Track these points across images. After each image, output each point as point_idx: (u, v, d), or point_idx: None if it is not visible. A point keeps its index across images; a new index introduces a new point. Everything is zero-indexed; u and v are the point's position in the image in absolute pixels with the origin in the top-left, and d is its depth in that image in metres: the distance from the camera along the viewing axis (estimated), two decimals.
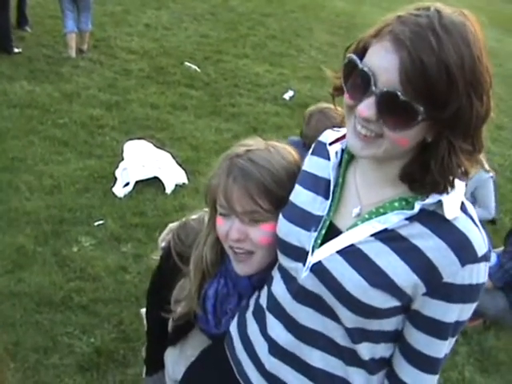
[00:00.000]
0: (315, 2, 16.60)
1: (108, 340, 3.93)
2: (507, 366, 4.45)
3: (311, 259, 1.62)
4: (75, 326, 4.01)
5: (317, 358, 1.68)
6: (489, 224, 6.15)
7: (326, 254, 1.59)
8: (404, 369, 1.64)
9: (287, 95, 9.30)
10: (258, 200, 1.78)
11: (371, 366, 1.67)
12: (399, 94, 1.36)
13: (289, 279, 1.71)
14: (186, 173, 6.19)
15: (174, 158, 6.40)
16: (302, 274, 1.63)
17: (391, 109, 1.39)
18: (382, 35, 1.41)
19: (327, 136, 1.79)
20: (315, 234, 1.64)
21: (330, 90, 1.64)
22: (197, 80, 9.32)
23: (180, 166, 6.28)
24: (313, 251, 1.63)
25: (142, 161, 6.07)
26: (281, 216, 1.75)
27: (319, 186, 1.71)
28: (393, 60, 1.36)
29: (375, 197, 1.60)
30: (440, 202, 1.49)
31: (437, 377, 1.66)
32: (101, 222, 5.20)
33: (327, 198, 1.66)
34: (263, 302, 1.84)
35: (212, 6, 13.57)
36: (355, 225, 1.59)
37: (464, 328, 4.41)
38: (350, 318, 1.57)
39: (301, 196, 1.74)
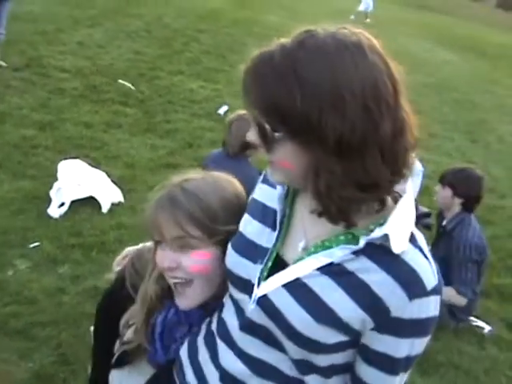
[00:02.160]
0: (248, 18, 16.75)
1: (47, 364, 3.85)
2: (446, 366, 4.53)
3: (257, 292, 1.59)
4: (12, 351, 3.91)
5: None
6: (424, 228, 6.29)
7: (272, 287, 1.56)
8: None
9: (222, 110, 9.33)
10: (185, 226, 1.76)
11: None
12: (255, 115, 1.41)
13: (238, 309, 1.69)
14: (122, 191, 6.15)
15: (109, 176, 6.34)
16: (249, 306, 1.61)
17: (258, 133, 1.43)
18: None
19: None
20: (261, 266, 1.61)
21: None
22: (131, 97, 9.28)
23: (115, 184, 6.23)
24: (259, 284, 1.60)
25: (77, 180, 6.00)
26: (229, 246, 1.72)
27: (268, 216, 1.67)
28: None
29: (321, 230, 1.56)
30: (387, 237, 1.43)
31: None
32: (36, 243, 5.10)
33: (275, 230, 1.63)
34: (214, 327, 1.81)
35: (146, 23, 13.56)
36: (301, 258, 1.55)
37: None
38: (296, 351, 1.55)
39: (249, 226, 1.71)
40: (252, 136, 1.46)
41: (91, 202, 5.87)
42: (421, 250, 1.49)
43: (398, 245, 1.44)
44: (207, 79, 10.65)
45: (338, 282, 1.48)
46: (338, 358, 1.57)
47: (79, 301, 4.43)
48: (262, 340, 1.62)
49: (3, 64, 9.46)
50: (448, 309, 4.82)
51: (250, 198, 1.82)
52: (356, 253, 1.47)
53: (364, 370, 1.56)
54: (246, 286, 1.62)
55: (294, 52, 1.34)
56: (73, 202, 5.77)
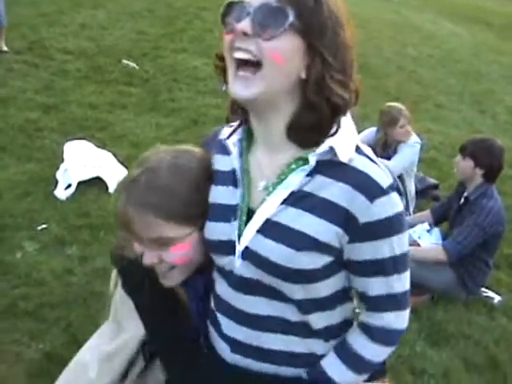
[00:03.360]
0: None
1: (58, 345, 3.85)
2: (456, 337, 4.51)
3: (239, 247, 1.65)
4: (22, 332, 3.93)
5: (276, 342, 1.71)
6: (433, 200, 6.26)
7: (249, 237, 1.63)
8: (372, 315, 1.71)
9: (225, 86, 9.25)
10: (160, 228, 1.73)
11: (327, 334, 1.74)
12: (271, 3, 1.47)
13: (226, 275, 1.73)
14: (127, 171, 6.12)
15: (115, 156, 6.33)
16: (236, 263, 1.67)
17: (265, 16, 1.47)
18: None
19: (224, 132, 1.80)
20: (236, 222, 1.67)
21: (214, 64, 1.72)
22: (135, 77, 9.24)
23: (122, 164, 6.21)
24: (239, 240, 1.66)
25: (83, 161, 5.99)
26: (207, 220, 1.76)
27: (227, 179, 1.73)
28: None
29: (275, 166, 1.64)
30: (332, 149, 1.54)
31: (405, 312, 1.74)
32: (44, 225, 5.11)
33: (236, 186, 1.70)
34: (212, 305, 1.85)
35: (149, 3, 13.45)
36: (264, 200, 1.63)
37: (413, 306, 4.47)
38: (294, 290, 1.63)
39: (214, 193, 1.76)
40: (245, 24, 1.48)
41: (98, 182, 5.86)
42: (367, 156, 1.60)
43: (345, 154, 1.55)
44: (211, 56, 10.39)
45: (302, 208, 1.57)
46: (334, 284, 1.68)
47: (88, 281, 4.44)
48: (257, 295, 1.68)
49: (5, 49, 9.44)
50: (459, 280, 4.80)
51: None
52: (310, 174, 1.58)
53: (362, 283, 1.67)
54: (229, 247, 1.68)
55: None
56: (79, 183, 5.78)
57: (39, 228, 5.08)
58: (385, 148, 5.91)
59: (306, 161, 1.58)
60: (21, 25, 10.42)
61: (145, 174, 1.74)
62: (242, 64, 1.52)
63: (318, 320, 1.71)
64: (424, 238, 5.10)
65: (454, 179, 5.76)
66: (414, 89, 10.97)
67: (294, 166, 1.60)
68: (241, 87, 1.54)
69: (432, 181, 6.74)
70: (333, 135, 1.56)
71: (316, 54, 1.50)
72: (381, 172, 1.57)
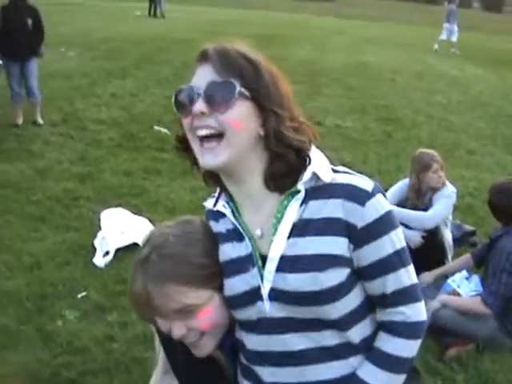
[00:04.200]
0: (276, 55, 16.89)
1: None
2: None
3: (264, 291, 1.73)
4: None
5: (321, 372, 1.76)
6: (471, 247, 6.18)
7: (271, 278, 1.72)
8: (390, 312, 1.79)
9: None
10: (181, 296, 1.74)
11: (365, 347, 1.81)
12: (217, 80, 1.65)
13: (254, 326, 1.79)
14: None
15: (151, 222, 6.40)
16: (266, 307, 1.74)
17: (215, 93, 1.64)
18: (194, 69, 1.74)
19: (207, 204, 1.92)
20: (255, 269, 1.75)
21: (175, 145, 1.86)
22: (167, 143, 9.37)
23: None
24: (262, 284, 1.74)
25: (120, 228, 6.07)
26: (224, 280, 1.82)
27: (229, 236, 1.83)
28: (206, 66, 1.69)
29: (264, 215, 1.77)
30: (315, 175, 1.71)
31: (420, 304, 1.81)
32: (84, 293, 5.16)
33: (241, 240, 1.79)
34: (245, 361, 1.88)
35: (175, 69, 13.74)
36: (271, 241, 1.73)
37: (458, 355, 4.34)
38: (330, 311, 1.71)
39: (221, 253, 1.83)
40: (200, 105, 1.64)
41: (135, 248, 5.90)
42: (344, 172, 1.79)
43: (326, 175, 1.72)
44: None
45: (308, 234, 1.70)
46: (359, 294, 1.79)
47: (129, 347, 4.45)
48: (292, 332, 1.74)
49: (41, 122, 9.72)
50: (502, 327, 4.71)
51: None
52: (303, 203, 1.72)
53: (377, 285, 1.76)
54: (253, 295, 1.75)
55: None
56: (117, 250, 5.84)
57: (79, 296, 5.13)
58: (419, 197, 5.82)
59: (294, 193, 1.72)
60: (56, 98, 10.75)
61: (154, 250, 1.78)
62: (205, 138, 1.68)
63: (356, 334, 1.78)
64: (463, 287, 5.04)
65: (491, 224, 5.70)
66: (446, 136, 10.96)
67: (285, 202, 1.73)
68: (209, 158, 1.68)
69: (469, 227, 6.68)
70: (307, 165, 1.72)
71: (268, 112, 1.68)
72: (362, 180, 1.75)
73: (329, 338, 1.74)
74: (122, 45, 16.05)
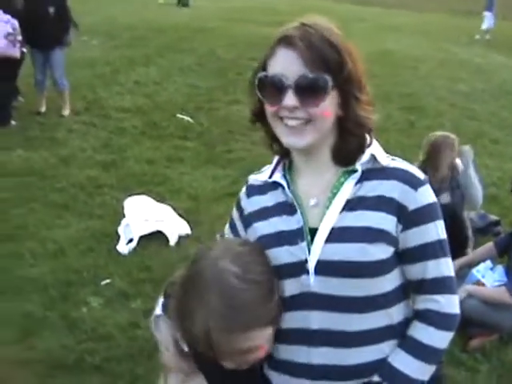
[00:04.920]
0: None
1: None
2: None
3: (311, 264, 1.75)
4: None
5: (354, 355, 1.78)
6: (494, 237, 6.10)
7: (319, 250, 1.74)
8: (426, 300, 1.82)
9: None
10: (248, 340, 1.70)
11: (399, 333, 1.83)
12: (308, 74, 1.65)
13: (295, 302, 1.79)
14: (188, 223, 6.20)
15: (174, 209, 6.42)
16: (310, 280, 1.75)
17: (307, 89, 1.66)
18: (274, 49, 1.72)
19: (254, 178, 1.99)
20: (304, 243, 1.77)
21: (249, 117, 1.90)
22: (190, 131, 9.42)
23: (181, 217, 6.30)
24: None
25: (144, 216, 6.10)
26: (266, 250, 1.82)
27: (279, 210, 1.86)
28: (291, 54, 1.67)
29: (321, 185, 1.82)
30: (373, 157, 1.79)
31: (455, 297, 1.85)
32: (108, 280, 5.20)
33: (293, 213, 1.82)
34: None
35: (198, 57, 13.73)
36: (323, 214, 1.77)
37: (482, 344, 4.30)
38: (374, 284, 1.75)
39: (268, 226, 1.85)
40: (291, 99, 1.67)
41: (159, 236, 5.95)
42: (399, 160, 1.86)
43: (384, 159, 1.81)
44: None
45: (361, 208, 1.75)
46: (399, 276, 1.82)
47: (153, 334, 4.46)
48: (336, 311, 1.75)
49: (65, 113, 9.77)
50: None
51: (245, 214, 1.97)
52: (359, 182, 1.78)
53: (418, 269, 1.80)
54: (299, 268, 1.76)
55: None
56: (141, 238, 5.87)
57: (103, 283, 5.17)
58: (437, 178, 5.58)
59: (352, 172, 1.79)
60: (79, 86, 10.76)
61: (220, 298, 1.66)
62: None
63: (396, 315, 1.82)
64: (488, 277, 5.00)
65: None
66: (469, 125, 10.85)
67: (342, 179, 1.80)
68: (295, 139, 1.74)
69: (493, 217, 6.63)
70: (369, 146, 1.81)
71: (349, 96, 1.73)
72: (415, 168, 1.83)
73: (371, 319, 1.77)
74: (145, 32, 16.01)
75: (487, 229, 6.45)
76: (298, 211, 1.80)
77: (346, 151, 1.79)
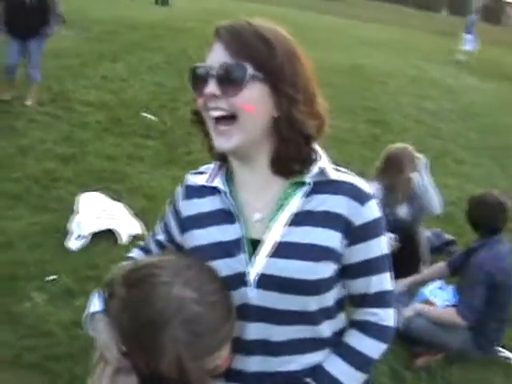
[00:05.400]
0: None
1: None
2: None
3: (250, 277, 1.72)
4: None
5: (287, 363, 1.81)
6: (448, 256, 6.10)
7: (262, 263, 1.71)
8: (367, 312, 1.85)
9: None
10: (214, 363, 1.69)
11: (332, 343, 1.85)
12: (228, 61, 1.62)
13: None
14: (143, 223, 6.13)
15: (131, 208, 6.35)
16: (249, 294, 1.73)
17: (226, 75, 1.62)
18: (211, 43, 1.70)
19: (193, 179, 1.93)
20: (242, 255, 1.74)
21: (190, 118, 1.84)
22: (153, 130, 9.36)
23: (137, 216, 6.22)
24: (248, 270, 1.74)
25: (96, 213, 6.00)
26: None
27: (217, 217, 1.81)
28: (219, 45, 1.65)
29: (267, 197, 1.77)
30: (322, 170, 1.73)
31: (393, 311, 1.87)
32: (54, 276, 5.09)
33: (232, 223, 1.77)
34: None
35: (167, 55, 13.69)
36: (268, 227, 1.73)
37: (427, 363, 4.31)
38: (310, 302, 1.73)
39: (205, 235, 1.81)
40: (212, 87, 1.63)
41: (109, 234, 5.86)
42: (347, 173, 1.81)
43: (333, 172, 1.76)
44: None
45: (307, 224, 1.72)
46: (337, 292, 1.83)
47: None
48: (271, 323, 1.75)
49: (28, 103, 9.62)
50: (474, 339, 4.68)
51: (182, 217, 1.91)
52: (306, 195, 1.73)
53: (361, 284, 1.82)
54: (238, 281, 1.73)
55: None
56: (92, 235, 5.77)
57: (48, 278, 5.06)
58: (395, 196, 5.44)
59: (300, 184, 1.74)
60: (46, 77, 10.59)
61: (179, 323, 1.60)
62: (219, 119, 1.66)
63: (327, 329, 1.82)
64: (437, 296, 5.01)
65: (471, 234, 5.66)
66: (433, 143, 10.95)
67: (289, 191, 1.75)
68: (223, 140, 1.67)
69: (449, 237, 6.66)
70: (316, 160, 1.75)
71: (281, 94, 1.65)
72: (363, 182, 1.80)
73: (302, 332, 1.77)
74: (117, 28, 15.96)
75: (442, 247, 6.48)
76: (238, 221, 1.76)
77: (283, 159, 1.73)
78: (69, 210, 6.22)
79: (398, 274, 5.05)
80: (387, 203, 5.20)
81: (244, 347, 1.78)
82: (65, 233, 5.79)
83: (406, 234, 5.36)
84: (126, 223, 6.01)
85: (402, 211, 5.39)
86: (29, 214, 6.18)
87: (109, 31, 15.48)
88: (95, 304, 1.89)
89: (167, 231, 1.98)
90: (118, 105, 10.27)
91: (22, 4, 9.23)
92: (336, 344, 1.84)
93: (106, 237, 5.83)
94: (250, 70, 1.61)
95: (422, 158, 5.46)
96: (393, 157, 5.47)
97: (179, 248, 1.93)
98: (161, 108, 10.31)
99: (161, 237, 2.00)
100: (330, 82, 14.21)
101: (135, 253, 2.10)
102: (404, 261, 5.22)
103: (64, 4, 10.48)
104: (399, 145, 5.69)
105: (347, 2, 62.98)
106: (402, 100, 13.83)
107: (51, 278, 5.08)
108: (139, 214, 6.30)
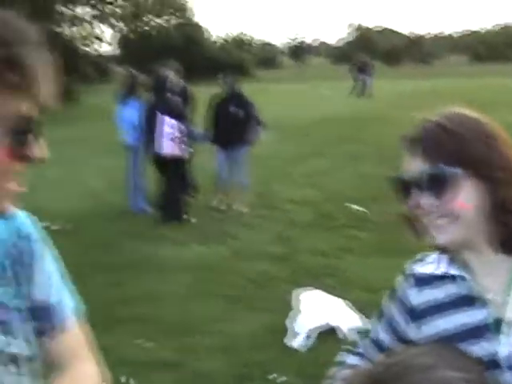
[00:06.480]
0: None
1: None
2: None
3: (502, 356, 1.61)
4: None
5: None
6: None
7: (507, 342, 1.61)
8: None
9: None
10: None
11: None
12: (432, 169, 1.57)
13: None
14: (363, 316, 6.01)
15: (346, 303, 6.27)
16: (505, 377, 1.60)
17: (438, 186, 1.58)
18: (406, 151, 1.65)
19: (419, 269, 1.82)
20: (494, 335, 1.63)
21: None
22: (362, 221, 9.35)
23: (353, 310, 6.12)
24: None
25: (316, 310, 5.99)
26: None
27: (456, 303, 1.70)
28: (415, 153, 1.61)
29: (494, 279, 1.66)
30: None
31: None
32: (281, 377, 5.08)
33: (477, 306, 1.67)
34: None
35: (368, 146, 13.77)
36: (505, 303, 1.64)
37: None
38: None
39: (449, 321, 1.71)
40: (426, 199, 1.59)
41: (331, 331, 5.78)
42: None
43: None
44: None
45: None
46: None
47: None
48: None
49: (240, 209, 10.05)
50: None
51: (413, 307, 1.79)
52: None
53: None
54: (490, 363, 1.61)
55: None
56: (312, 332, 5.72)
57: (271, 377, 5.06)
58: None
59: None
60: (252, 181, 11.02)
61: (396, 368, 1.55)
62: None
63: None
64: None
65: None
66: None
67: None
68: (442, 236, 1.62)
69: None
70: None
71: (491, 181, 1.58)
72: None
73: None
74: (312, 124, 16.38)
75: None
76: (484, 304, 1.66)
77: (507, 241, 1.63)
78: (286, 309, 6.24)
79: None
80: None
81: None
82: (285, 332, 5.79)
83: None
84: (346, 318, 5.92)
85: None
86: (248, 314, 6.28)
87: (303, 127, 15.89)
88: None
89: (389, 327, 1.87)
90: (323, 200, 10.43)
91: (227, 114, 9.74)
92: None
93: (327, 334, 5.76)
94: (456, 171, 1.57)
95: None
96: None
97: (405, 342, 1.81)
98: (368, 199, 10.32)
99: (382, 336, 1.89)
100: None
101: (348, 358, 1.99)
102: None
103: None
104: None
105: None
106: None
107: (279, 378, 5.06)
108: (356, 307, 6.18)
